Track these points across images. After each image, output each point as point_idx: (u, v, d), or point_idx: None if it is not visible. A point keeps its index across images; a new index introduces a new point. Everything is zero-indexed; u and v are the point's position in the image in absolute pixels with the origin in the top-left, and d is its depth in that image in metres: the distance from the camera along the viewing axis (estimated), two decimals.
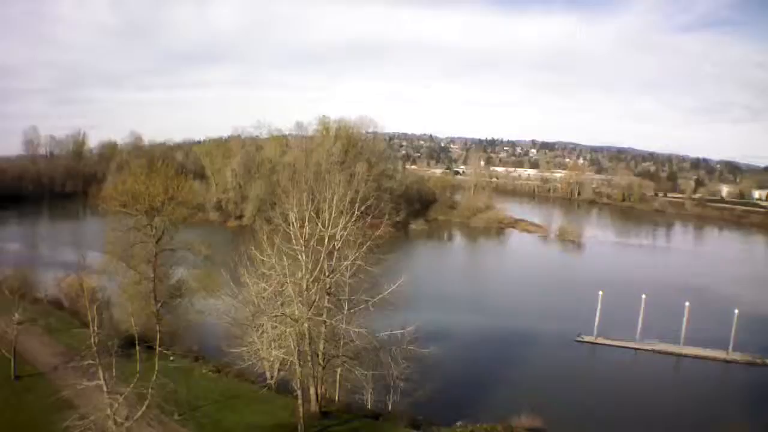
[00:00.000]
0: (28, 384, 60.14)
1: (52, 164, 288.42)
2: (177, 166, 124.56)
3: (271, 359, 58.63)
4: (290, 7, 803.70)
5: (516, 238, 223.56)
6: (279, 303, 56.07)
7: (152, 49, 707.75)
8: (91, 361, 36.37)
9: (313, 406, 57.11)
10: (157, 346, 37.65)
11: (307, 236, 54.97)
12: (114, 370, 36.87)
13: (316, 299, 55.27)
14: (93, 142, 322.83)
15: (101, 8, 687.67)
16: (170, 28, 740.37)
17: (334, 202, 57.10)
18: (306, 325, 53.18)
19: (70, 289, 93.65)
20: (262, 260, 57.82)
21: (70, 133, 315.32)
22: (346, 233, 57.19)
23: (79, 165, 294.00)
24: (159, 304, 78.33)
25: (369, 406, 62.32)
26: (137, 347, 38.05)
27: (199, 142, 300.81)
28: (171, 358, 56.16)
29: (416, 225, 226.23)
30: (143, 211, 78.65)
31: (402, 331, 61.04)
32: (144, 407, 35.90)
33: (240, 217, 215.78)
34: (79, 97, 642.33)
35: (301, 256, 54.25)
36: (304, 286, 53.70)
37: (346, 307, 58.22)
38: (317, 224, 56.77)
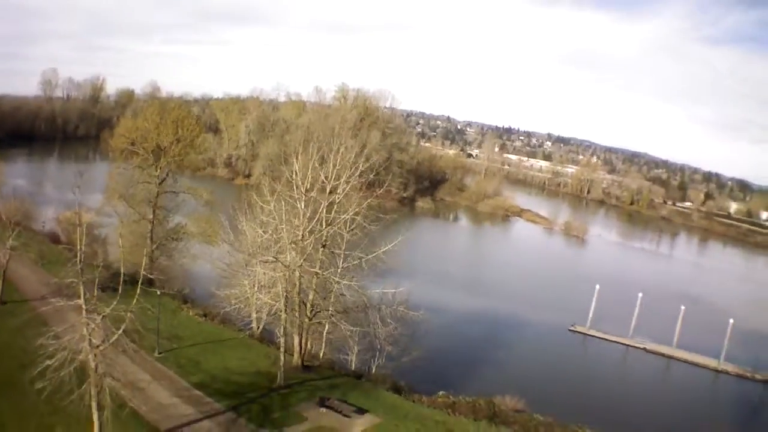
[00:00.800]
0: (12, 309, 59.29)
1: (68, 106, 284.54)
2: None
3: (258, 302, 58.04)
4: None
5: (521, 227, 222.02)
6: (274, 250, 55.36)
7: (182, 4, 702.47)
8: (73, 279, 35.41)
9: (296, 359, 56.40)
10: (142, 275, 36.80)
11: (308, 185, 54.16)
12: (96, 291, 35.86)
13: (311, 250, 54.49)
14: (111, 89, 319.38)
15: None
16: None
17: (340, 153, 56.16)
18: (297, 273, 52.52)
19: (68, 224, 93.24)
20: (261, 207, 57.24)
21: (89, 77, 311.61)
22: (348, 187, 56.28)
23: (94, 109, 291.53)
24: (155, 245, 77.96)
25: (353, 367, 61.69)
26: (122, 275, 36.71)
27: (217, 99, 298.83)
28: (158, 292, 55.39)
29: (423, 203, 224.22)
30: (150, 150, 78.08)
31: (393, 291, 59.70)
32: (121, 330, 34.85)
33: (248, 175, 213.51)
34: (105, 45, 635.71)
35: (300, 204, 53.47)
36: (300, 235, 52.95)
37: (341, 262, 57.34)
38: (320, 175, 55.85)
